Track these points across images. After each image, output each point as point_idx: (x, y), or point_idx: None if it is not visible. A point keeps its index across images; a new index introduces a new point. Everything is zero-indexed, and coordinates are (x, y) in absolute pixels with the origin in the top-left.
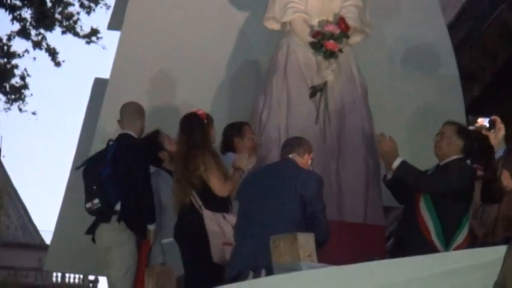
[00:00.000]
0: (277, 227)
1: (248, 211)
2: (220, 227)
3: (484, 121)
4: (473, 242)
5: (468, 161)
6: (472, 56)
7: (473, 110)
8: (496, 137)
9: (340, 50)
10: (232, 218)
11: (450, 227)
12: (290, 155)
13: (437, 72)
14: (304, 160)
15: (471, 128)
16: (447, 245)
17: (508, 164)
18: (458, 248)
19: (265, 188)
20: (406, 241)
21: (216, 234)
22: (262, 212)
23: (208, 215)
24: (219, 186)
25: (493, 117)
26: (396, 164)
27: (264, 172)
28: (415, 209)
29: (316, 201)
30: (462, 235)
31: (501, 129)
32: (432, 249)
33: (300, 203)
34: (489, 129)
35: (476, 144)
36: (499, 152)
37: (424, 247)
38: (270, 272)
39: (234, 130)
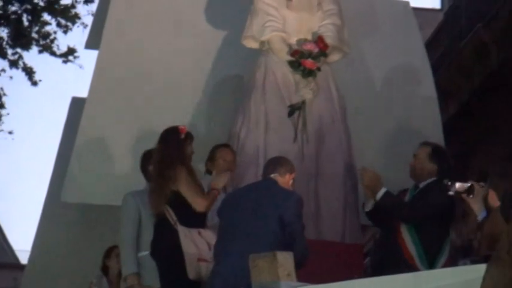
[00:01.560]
0: (257, 246)
1: (229, 230)
2: (195, 244)
3: (463, 186)
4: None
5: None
6: (448, 74)
7: (450, 127)
8: (476, 201)
9: (319, 69)
10: (208, 234)
11: (432, 252)
12: (271, 175)
13: (415, 92)
14: (285, 180)
15: (450, 193)
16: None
17: (494, 185)
18: None
19: (246, 207)
20: (386, 264)
21: (191, 251)
22: (242, 231)
23: (183, 231)
24: (197, 201)
25: (470, 182)
26: (380, 194)
27: (245, 191)
28: (396, 232)
29: (295, 222)
30: (444, 258)
31: (480, 194)
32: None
33: (280, 223)
34: (468, 194)
35: (450, 166)
36: (481, 215)
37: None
38: None
39: (209, 154)
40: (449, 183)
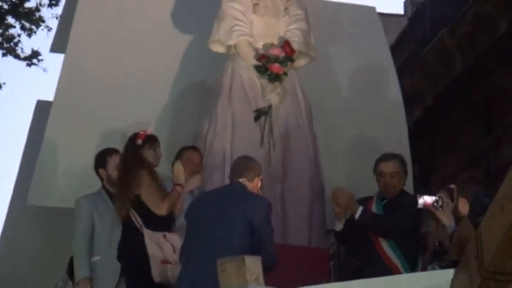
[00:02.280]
0: (225, 250)
1: (196, 233)
2: (160, 246)
3: (431, 200)
4: None
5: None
6: (413, 78)
7: (414, 131)
8: (444, 214)
9: (285, 74)
10: (173, 237)
11: (411, 264)
12: (240, 179)
13: (381, 96)
14: (253, 184)
15: (419, 206)
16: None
17: (464, 194)
18: None
19: (214, 211)
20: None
21: (155, 254)
22: (210, 235)
23: (148, 234)
24: (156, 205)
25: (438, 195)
26: (358, 213)
27: (213, 195)
28: (378, 254)
29: (264, 227)
30: (419, 269)
31: (448, 206)
32: None
33: (249, 228)
34: (436, 208)
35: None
36: (450, 227)
37: None
38: None
39: (176, 155)
40: (417, 196)
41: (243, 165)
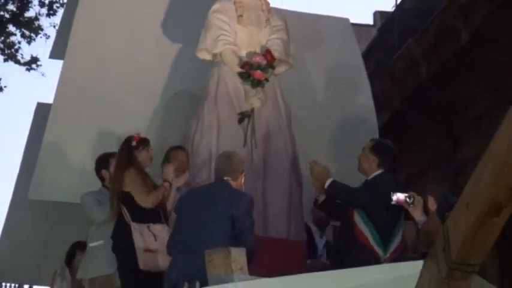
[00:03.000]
0: (209, 242)
1: (184, 226)
2: (142, 236)
3: (403, 196)
4: None
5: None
6: (382, 84)
7: (383, 133)
8: (416, 210)
9: (267, 80)
10: (157, 228)
11: (385, 235)
12: (225, 178)
13: (354, 101)
14: (238, 182)
15: (392, 202)
16: (385, 250)
17: (434, 191)
18: (394, 252)
19: (201, 206)
20: (346, 253)
21: (139, 244)
22: (197, 228)
23: (134, 227)
24: (142, 199)
25: (410, 192)
26: (327, 183)
27: (200, 192)
28: (351, 224)
29: (245, 218)
30: (396, 241)
31: (420, 202)
32: (372, 256)
33: (231, 221)
34: (409, 204)
35: (393, 159)
36: (420, 222)
37: (366, 255)
38: (204, 283)
39: (167, 153)
40: (391, 193)
41: (227, 164)
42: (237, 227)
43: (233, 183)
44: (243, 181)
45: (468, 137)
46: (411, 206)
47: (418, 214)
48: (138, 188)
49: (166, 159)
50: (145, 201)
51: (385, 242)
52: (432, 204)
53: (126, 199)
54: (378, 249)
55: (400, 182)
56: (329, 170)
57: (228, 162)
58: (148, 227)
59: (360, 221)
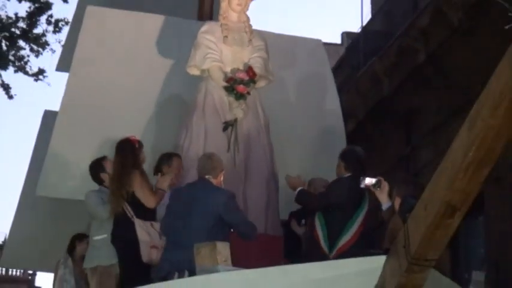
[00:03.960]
0: (195, 236)
1: (173, 223)
2: (148, 233)
3: (371, 181)
4: None
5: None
6: (348, 97)
7: (350, 140)
8: (382, 193)
9: (248, 93)
10: (158, 226)
11: (334, 232)
12: (206, 176)
13: (325, 111)
14: (217, 180)
15: (361, 186)
16: (331, 248)
17: (399, 193)
18: (340, 249)
19: (186, 203)
20: (305, 247)
21: (144, 239)
22: (183, 224)
23: (139, 223)
24: (147, 199)
25: (378, 177)
26: (295, 192)
27: (185, 190)
28: (313, 225)
29: (230, 211)
30: (344, 240)
31: (385, 187)
32: (321, 253)
33: (215, 216)
34: (375, 187)
35: (358, 162)
36: (385, 205)
37: (316, 252)
38: (192, 273)
39: (165, 158)
40: (361, 178)
41: (208, 164)
42: (226, 220)
43: (214, 181)
44: (222, 179)
45: (424, 144)
46: (378, 189)
47: (383, 198)
48: (144, 189)
49: (168, 164)
50: (150, 201)
51: (332, 240)
52: (396, 205)
53: (131, 198)
54: (325, 247)
55: (359, 182)
56: (301, 180)
57: (209, 162)
58: (151, 224)
59: (317, 222)
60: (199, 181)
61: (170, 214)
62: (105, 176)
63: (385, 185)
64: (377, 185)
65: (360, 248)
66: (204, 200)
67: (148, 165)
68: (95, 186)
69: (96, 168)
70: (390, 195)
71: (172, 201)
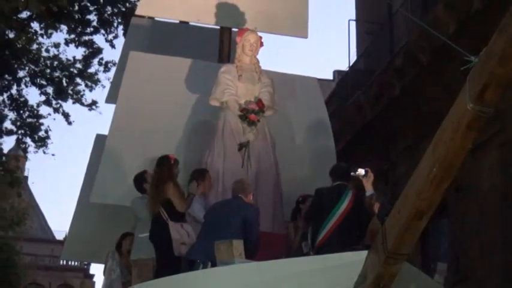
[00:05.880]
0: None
1: (209, 227)
2: (179, 233)
3: (361, 171)
4: None
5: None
6: (339, 123)
7: (339, 158)
8: (367, 182)
9: (258, 120)
10: (187, 227)
11: (315, 233)
12: (239, 195)
13: (319, 136)
14: (248, 198)
15: (352, 174)
16: (312, 246)
17: (378, 200)
18: (319, 242)
19: (222, 214)
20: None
21: (176, 237)
22: (218, 229)
23: (172, 224)
24: (179, 205)
25: (366, 168)
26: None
27: (221, 204)
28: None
29: (253, 223)
30: (321, 235)
31: (371, 177)
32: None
33: (242, 224)
34: (363, 176)
35: (340, 175)
36: (368, 192)
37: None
38: (213, 264)
39: (199, 174)
40: (355, 168)
41: (240, 186)
42: (248, 228)
43: (245, 199)
44: (251, 198)
45: (400, 161)
46: (364, 177)
47: (368, 186)
48: (177, 197)
49: (201, 178)
50: (182, 207)
51: (313, 240)
52: (377, 209)
53: (166, 204)
54: (305, 246)
55: (336, 189)
56: None
57: (241, 185)
58: (181, 225)
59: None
60: (233, 198)
61: (207, 222)
62: (146, 186)
63: (371, 176)
64: (365, 175)
65: (337, 241)
66: (236, 212)
67: (180, 178)
68: (138, 194)
69: (139, 179)
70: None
71: (210, 212)
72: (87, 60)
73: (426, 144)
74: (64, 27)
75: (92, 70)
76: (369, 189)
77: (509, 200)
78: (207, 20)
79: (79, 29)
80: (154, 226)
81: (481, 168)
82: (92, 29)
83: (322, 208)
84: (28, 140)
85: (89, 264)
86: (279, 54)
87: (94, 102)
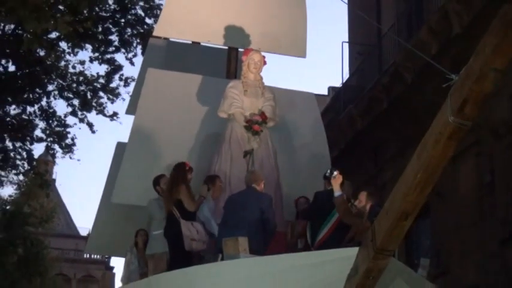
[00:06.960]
0: (244, 225)
1: (227, 220)
2: (189, 230)
3: (334, 173)
4: None
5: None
6: (333, 133)
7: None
8: (335, 183)
9: (261, 131)
10: (197, 225)
11: (315, 232)
12: (252, 185)
13: (315, 148)
14: (260, 187)
15: (327, 175)
16: (313, 242)
17: (372, 200)
18: (319, 241)
19: (239, 203)
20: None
21: (187, 234)
22: (237, 217)
23: (183, 222)
24: (190, 205)
25: (337, 171)
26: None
27: (238, 194)
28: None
29: (268, 211)
30: (321, 235)
31: (339, 179)
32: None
33: (259, 212)
34: (332, 177)
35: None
36: (336, 193)
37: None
38: (223, 258)
39: (210, 179)
40: (330, 168)
41: (252, 177)
42: (264, 216)
43: (257, 188)
44: (263, 186)
45: (387, 167)
46: (333, 178)
47: (336, 187)
48: (187, 198)
49: (212, 183)
50: (192, 207)
51: (313, 238)
52: (367, 208)
53: (178, 204)
54: (309, 241)
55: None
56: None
57: (253, 176)
58: (192, 223)
59: (308, 227)
60: (247, 189)
61: (226, 213)
62: (158, 188)
63: (339, 178)
64: (331, 175)
65: (334, 240)
66: (252, 200)
67: (192, 183)
68: (153, 195)
69: (154, 182)
70: (341, 186)
71: (227, 204)
72: (109, 76)
73: (411, 152)
74: (89, 47)
75: (113, 85)
76: (337, 190)
77: (483, 203)
78: (217, 41)
79: (102, 48)
80: (168, 224)
81: (459, 174)
82: (113, 48)
83: (320, 210)
84: (56, 146)
85: (109, 258)
86: (280, 72)
87: (115, 114)
